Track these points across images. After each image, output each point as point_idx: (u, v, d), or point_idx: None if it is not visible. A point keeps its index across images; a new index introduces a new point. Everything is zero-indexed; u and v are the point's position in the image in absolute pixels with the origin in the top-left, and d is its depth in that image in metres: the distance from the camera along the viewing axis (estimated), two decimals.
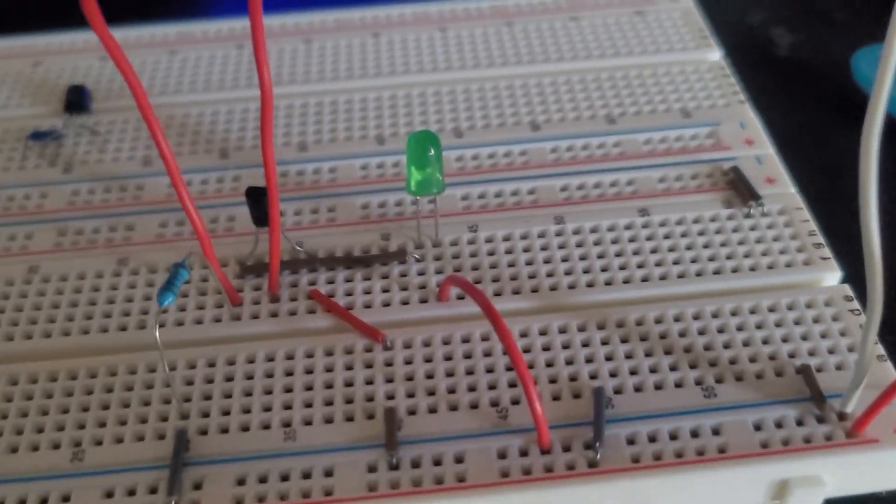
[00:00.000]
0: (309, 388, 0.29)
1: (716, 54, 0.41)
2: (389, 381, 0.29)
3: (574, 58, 0.40)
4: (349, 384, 0.29)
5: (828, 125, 0.41)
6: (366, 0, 0.45)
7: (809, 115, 0.41)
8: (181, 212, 0.34)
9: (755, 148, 0.36)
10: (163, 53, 0.42)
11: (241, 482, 0.27)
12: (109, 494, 0.26)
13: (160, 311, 0.26)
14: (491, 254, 0.33)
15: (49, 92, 0.40)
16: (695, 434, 0.27)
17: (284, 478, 0.27)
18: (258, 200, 0.30)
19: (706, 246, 0.32)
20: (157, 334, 0.26)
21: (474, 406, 0.28)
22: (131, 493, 0.26)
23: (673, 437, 0.27)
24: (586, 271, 0.32)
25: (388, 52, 0.41)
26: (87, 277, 0.32)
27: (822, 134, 0.40)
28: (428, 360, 0.29)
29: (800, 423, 0.27)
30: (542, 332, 0.30)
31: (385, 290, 0.31)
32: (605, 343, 0.30)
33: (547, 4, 0.44)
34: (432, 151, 0.30)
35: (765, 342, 0.29)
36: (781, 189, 0.34)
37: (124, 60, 0.25)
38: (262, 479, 0.27)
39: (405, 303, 0.31)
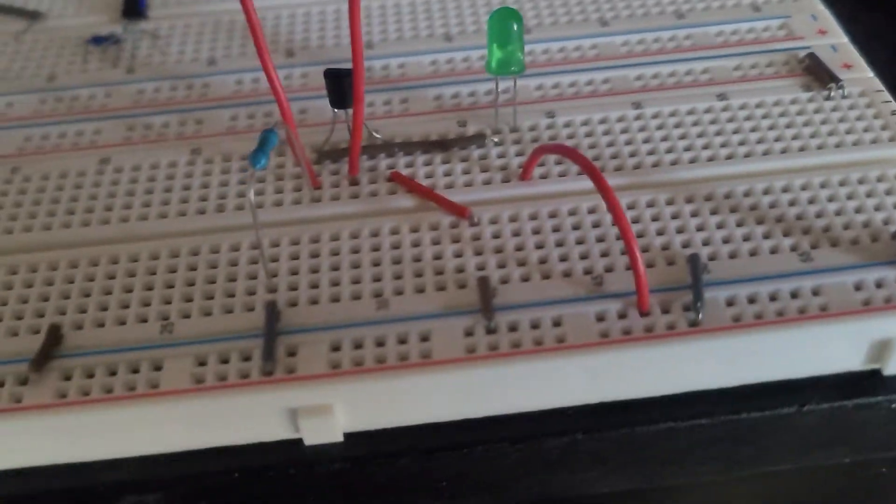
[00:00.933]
0: (397, 263, 0.28)
1: None
2: (479, 254, 0.28)
3: None
4: (438, 258, 0.28)
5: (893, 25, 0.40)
6: None
7: (875, 18, 0.40)
8: (251, 106, 0.34)
9: (829, 37, 0.35)
10: None
11: (335, 349, 0.26)
12: (202, 362, 0.26)
13: (253, 173, 0.26)
14: (570, 137, 0.32)
15: (106, 1, 0.40)
16: (794, 295, 0.27)
17: (380, 343, 0.26)
18: (339, 80, 0.30)
19: (789, 126, 0.32)
20: (251, 196, 0.26)
21: (567, 274, 0.28)
22: (224, 360, 0.26)
23: (773, 298, 0.27)
24: (669, 151, 0.31)
25: None
26: (160, 167, 0.32)
27: (890, 32, 0.40)
28: (516, 234, 0.29)
29: None
30: (630, 207, 0.29)
31: (466, 172, 0.31)
32: (694, 215, 0.29)
33: None
34: (515, 27, 0.30)
35: (857, 211, 0.29)
36: (859, 74, 0.34)
37: None
38: (358, 346, 0.26)
39: (487, 183, 0.31)
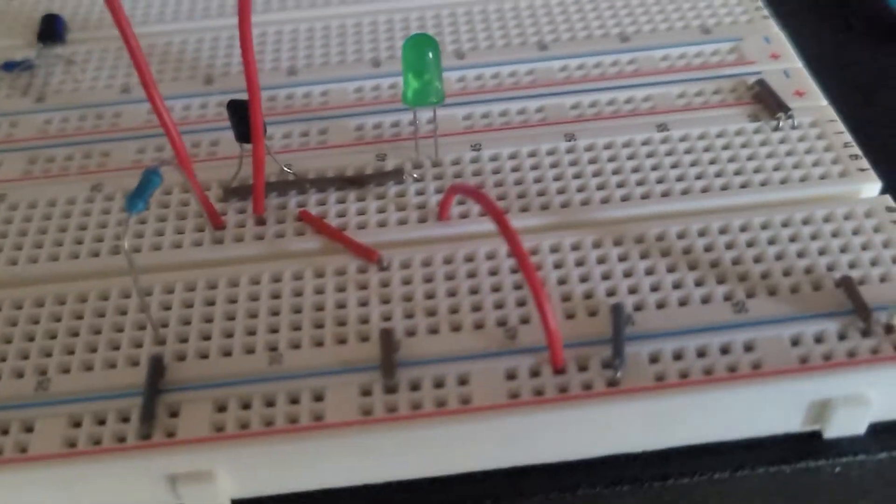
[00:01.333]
0: (297, 311, 0.26)
1: None
2: (386, 302, 0.26)
3: None
4: (341, 306, 0.26)
5: (858, 47, 0.38)
6: None
7: (838, 37, 0.38)
8: (161, 137, 0.32)
9: (782, 62, 0.33)
10: None
11: (221, 409, 0.24)
12: (77, 423, 0.24)
13: (129, 217, 0.24)
14: (496, 172, 0.30)
15: (24, 23, 0.38)
16: (725, 350, 0.24)
17: (269, 403, 0.24)
18: (241, 114, 0.28)
19: (732, 160, 0.30)
20: (126, 244, 0.24)
21: (479, 326, 0.25)
22: (101, 421, 0.24)
23: (701, 354, 0.24)
24: (601, 187, 0.29)
25: None
26: (57, 204, 0.30)
27: (853, 55, 0.37)
28: (428, 280, 0.27)
29: (842, 337, 0.24)
30: (554, 250, 0.27)
31: (381, 211, 0.29)
32: (622, 259, 0.27)
33: None
34: (430, 55, 0.28)
35: (800, 255, 0.27)
36: (812, 102, 0.32)
37: None
38: (245, 405, 0.24)
39: (403, 223, 0.28)
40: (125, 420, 0.24)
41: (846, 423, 0.24)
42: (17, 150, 0.32)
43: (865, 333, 0.24)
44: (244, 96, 0.28)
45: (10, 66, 0.35)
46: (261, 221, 0.29)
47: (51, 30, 0.36)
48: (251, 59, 0.25)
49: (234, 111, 0.28)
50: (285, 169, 0.30)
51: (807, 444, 0.25)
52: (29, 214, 0.29)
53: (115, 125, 0.33)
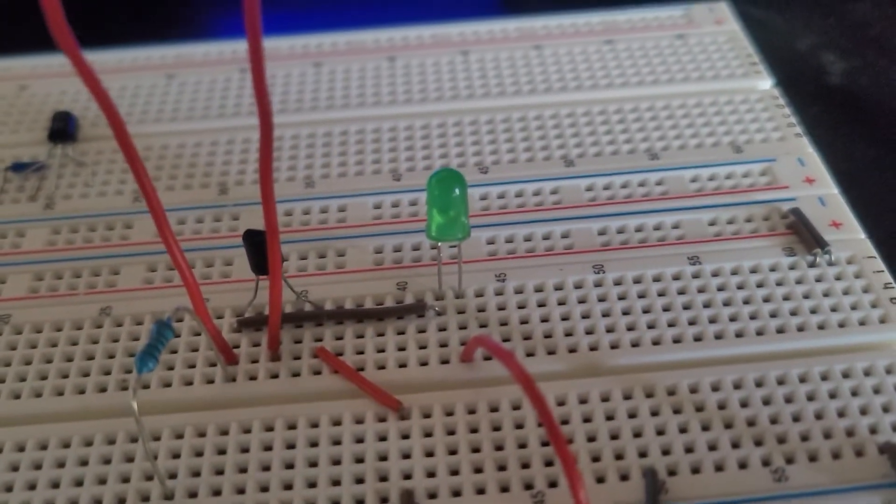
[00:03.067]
0: (313, 465, 0.25)
1: (767, 82, 0.37)
2: (406, 456, 0.25)
3: (609, 86, 0.37)
4: (359, 460, 0.25)
5: (893, 160, 0.37)
6: (380, 20, 0.41)
7: (872, 149, 0.37)
8: None
9: (817, 187, 0.32)
10: (160, 77, 0.38)
11: None
12: None
13: (138, 379, 0.22)
14: (521, 307, 0.29)
15: (34, 119, 0.37)
16: None
17: None
18: (257, 246, 0.27)
19: (766, 300, 0.28)
20: (135, 406, 0.22)
21: (505, 489, 0.24)
22: None
23: None
24: (630, 328, 0.28)
25: (404, 77, 0.38)
26: (63, 328, 0.29)
27: (888, 169, 0.36)
28: (450, 432, 0.25)
29: None
30: (582, 401, 0.26)
31: (401, 349, 0.28)
32: (654, 414, 0.26)
33: (579, 26, 0.40)
34: (457, 192, 0.27)
35: (840, 414, 0.25)
36: (849, 234, 0.30)
37: (98, 86, 0.21)
38: None
39: (424, 363, 0.27)
40: None
41: None
42: (24, 262, 0.31)
43: None
44: (259, 213, 0.27)
45: (19, 168, 0.34)
46: (275, 357, 0.28)
47: (62, 128, 0.35)
48: (270, 197, 0.24)
49: (250, 242, 0.27)
50: (301, 298, 0.29)
51: None
52: (34, 339, 0.28)
53: (126, 238, 0.31)
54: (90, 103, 0.37)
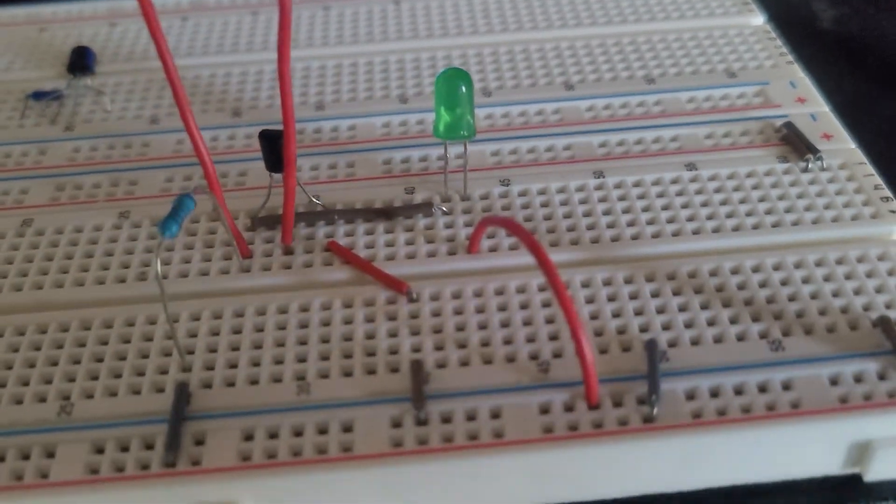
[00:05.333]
0: (325, 341, 0.26)
1: (759, 18, 0.38)
2: (415, 333, 0.26)
3: (608, 22, 0.38)
4: (370, 337, 0.26)
5: (880, 95, 0.38)
6: None
7: (859, 85, 0.38)
8: (189, 166, 0.32)
9: (808, 106, 0.33)
10: (175, 19, 0.40)
11: (248, 437, 0.23)
12: (99, 449, 0.23)
13: (162, 242, 0.23)
14: (525, 207, 0.30)
15: (54, 56, 0.38)
16: (763, 389, 0.24)
17: (297, 433, 0.23)
18: (273, 142, 0.28)
19: (762, 199, 0.30)
20: (158, 267, 0.23)
21: (511, 359, 0.25)
22: (124, 448, 0.23)
23: (738, 391, 0.24)
24: (631, 224, 0.29)
25: (409, 17, 0.39)
26: (84, 231, 0.30)
27: (875, 103, 0.37)
28: (458, 312, 0.26)
29: (882, 377, 0.24)
30: (585, 285, 0.27)
31: (410, 243, 0.29)
32: (655, 296, 0.27)
33: None
34: (463, 89, 0.28)
35: (835, 295, 0.26)
36: (840, 145, 0.32)
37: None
38: (272, 435, 0.23)
39: (432, 255, 0.28)
40: (149, 447, 0.23)
41: (888, 466, 0.24)
42: (45, 176, 0.32)
43: None
44: (272, 128, 0.28)
45: (39, 96, 0.35)
46: (288, 251, 0.29)
47: (81, 61, 0.36)
48: (288, 90, 0.25)
49: (266, 141, 0.28)
50: (314, 199, 0.30)
51: (846, 488, 0.24)
52: (55, 240, 0.29)
53: (144, 154, 0.33)
54: (107, 43, 0.39)
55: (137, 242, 0.29)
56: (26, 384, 0.25)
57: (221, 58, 0.37)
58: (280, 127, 0.27)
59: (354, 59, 0.37)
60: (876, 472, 0.24)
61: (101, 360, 0.25)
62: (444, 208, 0.30)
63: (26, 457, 0.23)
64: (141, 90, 0.36)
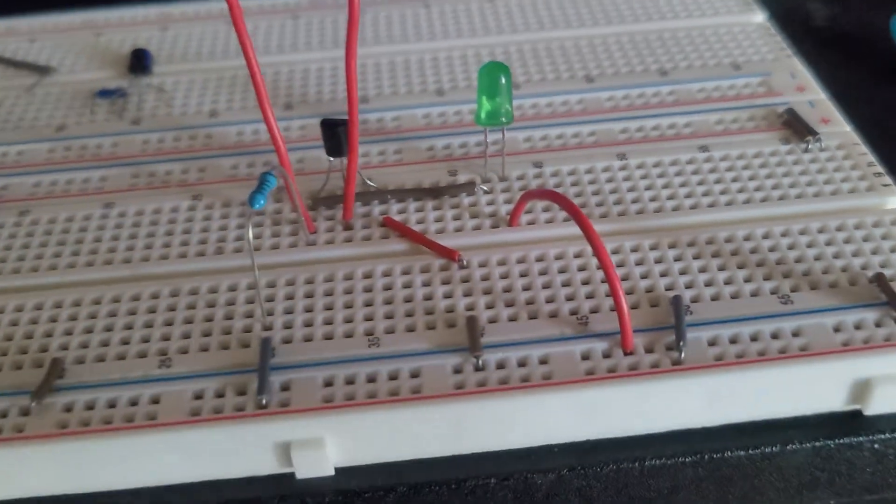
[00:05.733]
0: (389, 303, 0.29)
1: (760, 16, 0.42)
2: (468, 295, 0.29)
3: (622, 21, 0.42)
4: (428, 298, 0.29)
5: (872, 84, 0.42)
6: None
7: (852, 76, 0.42)
8: (251, 155, 0.35)
9: (807, 94, 0.37)
10: (222, 24, 0.43)
11: (328, 384, 0.27)
12: (198, 396, 0.27)
13: (252, 213, 0.27)
14: (558, 186, 0.33)
15: (113, 58, 0.41)
16: (775, 336, 0.27)
17: (371, 380, 0.27)
18: (332, 131, 0.31)
19: (769, 176, 0.33)
20: (250, 234, 0.27)
21: (554, 315, 0.28)
22: (220, 395, 0.27)
23: (754, 339, 0.27)
24: (653, 199, 0.32)
25: (440, 20, 0.43)
26: (162, 212, 0.33)
27: (868, 91, 0.41)
28: (504, 276, 0.30)
29: (879, 324, 0.28)
30: (615, 252, 0.30)
31: (456, 219, 0.32)
32: (677, 260, 0.30)
33: None
34: (503, 80, 0.31)
35: (836, 257, 0.30)
36: (837, 128, 0.35)
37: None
38: (350, 381, 0.27)
39: (477, 228, 0.32)
40: (242, 394, 0.27)
41: (885, 402, 0.27)
42: (121, 165, 0.35)
43: None
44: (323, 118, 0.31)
45: (105, 94, 0.39)
46: (348, 227, 0.32)
47: (140, 62, 0.40)
48: (353, 79, 0.29)
49: (327, 129, 0.31)
50: (368, 181, 0.33)
51: (849, 422, 0.28)
52: (137, 221, 0.33)
53: (208, 144, 0.36)
54: (162, 45, 0.42)
55: (211, 222, 0.32)
56: (127, 343, 0.28)
57: (270, 58, 0.41)
58: (330, 117, 0.31)
59: (391, 58, 0.40)
60: (875, 407, 0.27)
61: (190, 322, 0.29)
62: (486, 188, 0.33)
63: (135, 403, 0.27)
64: (199, 87, 0.39)
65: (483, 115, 0.32)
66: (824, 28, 0.45)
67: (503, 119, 0.32)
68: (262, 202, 0.27)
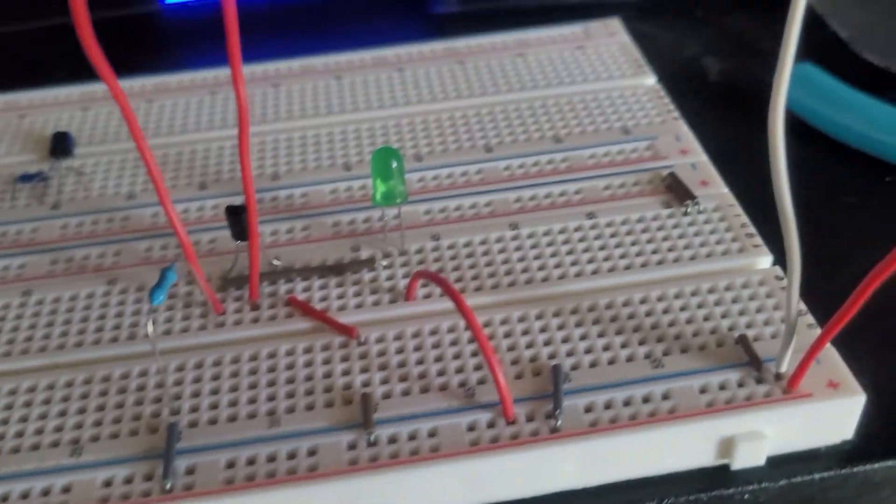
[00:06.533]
0: (291, 382, 0.31)
1: (651, 79, 0.45)
2: (365, 371, 0.31)
3: (522, 89, 0.44)
4: (328, 376, 0.31)
5: (758, 140, 0.44)
6: (327, 47, 0.48)
7: (740, 132, 0.44)
8: (165, 237, 0.37)
9: (690, 156, 0.40)
10: (141, 102, 0.45)
11: (230, 465, 0.29)
12: (108, 483, 0.28)
13: (152, 308, 0.29)
14: (453, 258, 0.35)
15: (35, 141, 0.43)
16: (646, 400, 0.30)
17: (271, 459, 0.29)
18: (237, 216, 0.33)
19: (649, 241, 0.36)
20: (150, 328, 0.29)
21: (444, 388, 0.30)
22: (128, 481, 0.28)
23: (626, 403, 0.30)
24: (541, 268, 0.35)
25: (350, 92, 0.45)
26: (79, 298, 0.35)
27: (755, 147, 0.44)
28: (399, 351, 0.32)
29: (741, 384, 0.30)
30: (503, 322, 0.33)
31: (358, 294, 0.34)
32: (561, 328, 0.32)
33: (495, 43, 0.48)
34: (394, 164, 0.33)
35: (706, 319, 0.32)
36: (715, 190, 0.38)
37: (123, 97, 0.27)
38: (251, 462, 0.29)
39: (376, 304, 0.34)
40: (149, 479, 0.28)
41: (749, 456, 0.30)
42: (40, 251, 0.37)
43: (759, 381, 0.30)
44: (235, 200, 0.33)
45: (26, 179, 0.40)
46: (255, 307, 0.34)
47: (61, 145, 0.41)
48: (248, 174, 0.31)
49: (230, 214, 0.33)
50: (274, 262, 0.35)
51: (719, 476, 0.30)
52: (54, 308, 0.34)
53: (125, 227, 0.38)
54: (83, 126, 0.44)
55: (125, 307, 0.34)
56: (40, 433, 0.30)
57: (185, 136, 0.43)
58: (234, 204, 0.33)
59: (303, 132, 0.42)
60: (740, 461, 0.30)
61: (102, 410, 0.31)
62: (385, 263, 0.35)
63: (46, 493, 0.28)
64: (117, 169, 0.41)
65: (378, 197, 0.34)
66: (717, 83, 0.48)
67: (398, 199, 0.34)
68: (160, 298, 0.29)
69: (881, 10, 0.51)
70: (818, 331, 0.31)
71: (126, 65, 0.48)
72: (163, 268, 0.29)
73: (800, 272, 0.28)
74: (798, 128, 0.44)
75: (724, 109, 0.46)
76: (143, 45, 0.53)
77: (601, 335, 0.32)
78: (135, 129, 0.28)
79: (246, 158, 0.30)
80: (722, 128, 0.44)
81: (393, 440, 0.29)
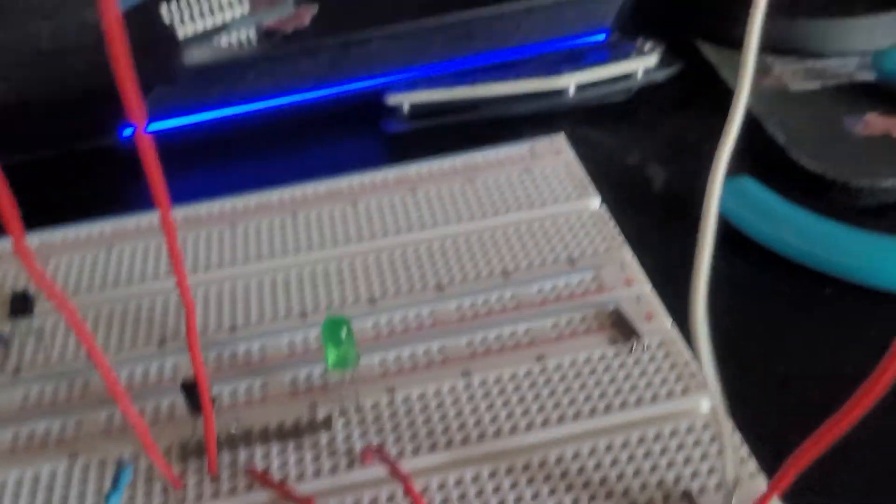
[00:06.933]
0: None
1: (595, 202, 0.46)
2: None
3: (471, 218, 0.45)
4: None
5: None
6: (283, 170, 0.50)
7: (685, 247, 0.45)
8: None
9: (634, 287, 0.41)
10: (100, 250, 0.46)
11: None
12: None
13: None
14: (408, 412, 0.36)
15: None
16: None
17: None
18: (192, 392, 0.34)
19: (597, 384, 0.37)
20: None
21: None
22: None
23: None
24: (493, 420, 0.36)
25: (305, 229, 0.46)
26: (41, 479, 0.35)
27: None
28: None
29: None
30: (457, 483, 0.34)
31: (315, 459, 0.35)
32: (513, 487, 0.33)
33: (444, 169, 0.49)
34: (344, 332, 0.35)
35: (652, 470, 0.33)
36: (659, 323, 0.39)
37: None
38: None
39: (333, 470, 0.35)
40: None
41: None
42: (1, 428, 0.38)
43: None
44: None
45: None
46: (215, 479, 0.35)
47: (21, 305, 0.42)
48: (198, 358, 0.32)
49: (186, 390, 0.34)
50: (232, 431, 0.36)
51: None
52: (17, 491, 0.35)
53: (84, 395, 0.39)
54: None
55: (88, 485, 0.35)
56: None
57: (144, 286, 0.44)
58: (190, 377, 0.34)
59: (260, 277, 0.43)
60: None
61: None
62: (342, 422, 0.36)
63: None
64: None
65: (331, 363, 0.35)
66: (661, 194, 0.50)
67: (350, 365, 0.35)
68: (115, 500, 0.29)
69: (811, 113, 0.53)
70: (762, 482, 0.33)
71: (84, 206, 0.50)
72: (119, 467, 0.30)
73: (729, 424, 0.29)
74: (737, 239, 0.45)
75: (666, 222, 0.48)
76: (101, 182, 0.54)
77: (552, 493, 0.33)
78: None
79: (196, 355, 0.31)
80: (666, 245, 0.45)
81: None
